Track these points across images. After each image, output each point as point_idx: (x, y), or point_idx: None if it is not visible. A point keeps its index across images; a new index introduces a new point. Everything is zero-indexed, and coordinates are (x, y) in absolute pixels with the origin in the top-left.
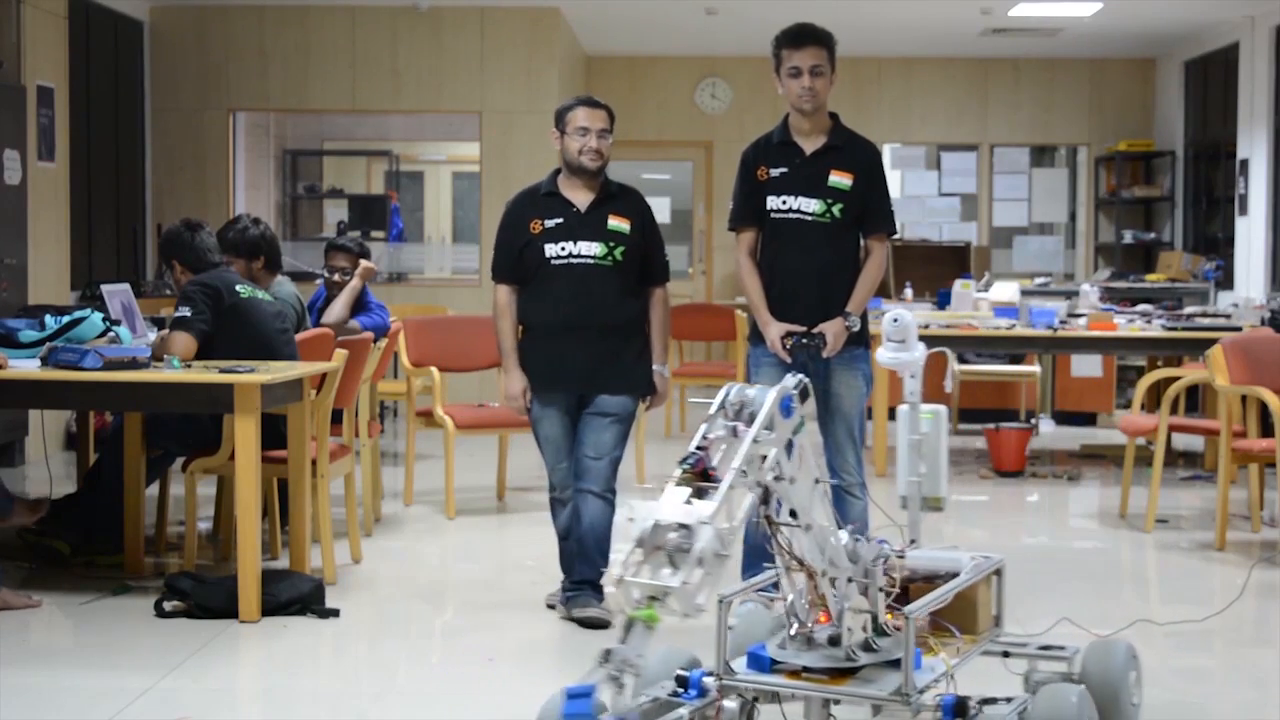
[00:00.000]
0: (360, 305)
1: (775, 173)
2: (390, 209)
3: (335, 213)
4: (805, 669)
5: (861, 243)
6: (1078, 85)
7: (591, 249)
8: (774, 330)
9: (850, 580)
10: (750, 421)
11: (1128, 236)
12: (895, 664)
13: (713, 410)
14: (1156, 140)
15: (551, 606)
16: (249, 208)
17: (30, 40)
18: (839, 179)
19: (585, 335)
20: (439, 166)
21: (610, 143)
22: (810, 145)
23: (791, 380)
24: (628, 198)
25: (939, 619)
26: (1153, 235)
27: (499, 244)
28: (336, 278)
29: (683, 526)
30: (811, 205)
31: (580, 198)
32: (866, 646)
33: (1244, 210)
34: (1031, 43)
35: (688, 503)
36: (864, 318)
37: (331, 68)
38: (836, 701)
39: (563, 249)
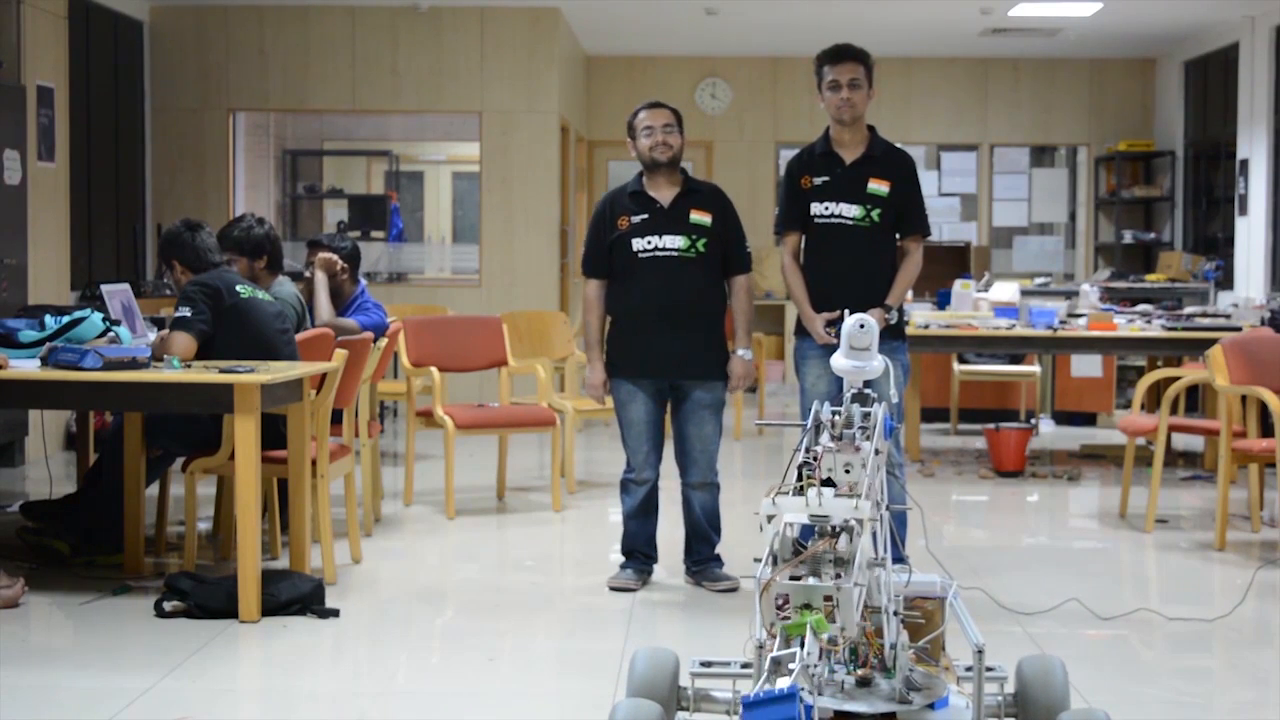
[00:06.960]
0: (346, 299)
1: (818, 181)
2: (390, 209)
3: (335, 213)
4: (853, 714)
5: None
6: (1078, 85)
7: (675, 242)
8: (818, 322)
9: (896, 614)
10: (863, 436)
11: (1128, 236)
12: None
13: (809, 428)
14: (1156, 140)
15: (614, 589)
16: (249, 208)
17: (30, 40)
18: (877, 186)
19: (672, 324)
20: (439, 166)
21: (680, 137)
22: (850, 155)
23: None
24: (708, 193)
25: (922, 652)
26: (1153, 235)
27: (589, 241)
28: (307, 272)
29: (832, 530)
30: (852, 210)
31: (663, 194)
32: (910, 685)
33: (1244, 210)
34: (1031, 43)
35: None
36: (900, 313)
37: (331, 68)
38: None
39: (648, 243)
